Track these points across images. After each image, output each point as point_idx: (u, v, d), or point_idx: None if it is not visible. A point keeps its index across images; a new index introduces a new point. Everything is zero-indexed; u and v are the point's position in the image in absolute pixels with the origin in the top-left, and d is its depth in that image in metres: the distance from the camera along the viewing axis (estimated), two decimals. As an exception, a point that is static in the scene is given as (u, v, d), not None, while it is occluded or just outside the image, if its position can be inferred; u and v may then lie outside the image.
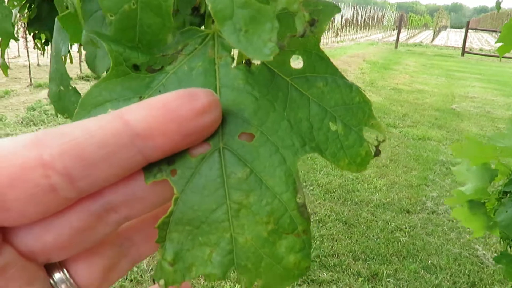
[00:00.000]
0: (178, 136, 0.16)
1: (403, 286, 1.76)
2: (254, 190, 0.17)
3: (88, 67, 0.44)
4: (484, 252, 2.03)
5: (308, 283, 1.71)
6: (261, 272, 0.17)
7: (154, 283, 0.18)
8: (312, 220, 2.17)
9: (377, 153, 0.18)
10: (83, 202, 0.17)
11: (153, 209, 0.18)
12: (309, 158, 2.89)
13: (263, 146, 0.18)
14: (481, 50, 14.51)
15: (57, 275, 0.18)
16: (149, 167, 0.17)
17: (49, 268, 0.18)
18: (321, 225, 2.15)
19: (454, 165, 1.19)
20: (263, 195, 0.17)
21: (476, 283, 1.81)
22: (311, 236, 0.18)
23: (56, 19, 0.49)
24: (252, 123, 0.18)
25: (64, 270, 0.18)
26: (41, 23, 1.02)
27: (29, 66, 4.45)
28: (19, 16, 1.04)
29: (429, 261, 1.94)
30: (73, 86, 0.58)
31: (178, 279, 0.17)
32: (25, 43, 4.52)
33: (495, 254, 1.87)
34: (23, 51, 5.09)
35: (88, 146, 0.15)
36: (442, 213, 2.40)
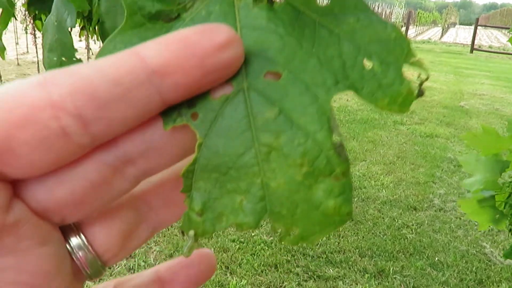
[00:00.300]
0: (198, 72, 0.15)
1: (409, 282, 1.75)
2: (284, 130, 0.16)
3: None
4: (491, 249, 2.02)
5: (314, 279, 1.72)
6: (298, 219, 0.16)
7: (184, 235, 0.16)
8: (318, 216, 2.18)
9: (421, 93, 0.16)
10: (98, 152, 0.16)
11: (172, 163, 0.17)
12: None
13: (292, 85, 0.16)
14: (490, 47, 14.36)
15: (74, 240, 0.17)
16: (168, 112, 0.16)
17: (65, 232, 0.17)
18: (327, 221, 2.14)
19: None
20: (295, 135, 0.16)
21: (484, 280, 1.80)
22: (351, 179, 0.16)
23: None
24: (277, 62, 0.16)
25: (81, 234, 0.17)
26: (43, 3, 1.01)
27: (38, 63, 4.48)
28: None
29: (436, 258, 1.93)
30: (78, 58, 0.57)
31: (208, 230, 0.16)
32: (33, 39, 4.55)
33: (503, 252, 1.86)
34: (32, 47, 5.12)
35: (101, 84, 0.14)
36: (450, 210, 2.38)
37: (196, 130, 0.16)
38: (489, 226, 1.02)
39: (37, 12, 1.07)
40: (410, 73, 0.16)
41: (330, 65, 0.16)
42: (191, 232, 0.16)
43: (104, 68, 0.14)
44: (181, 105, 0.16)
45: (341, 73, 0.16)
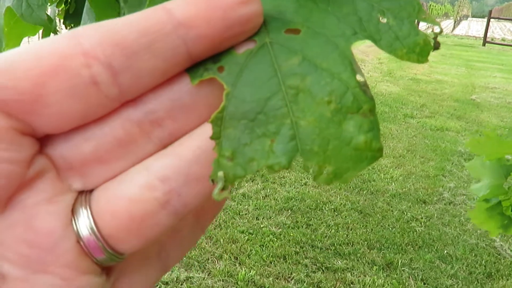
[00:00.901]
0: (221, 25, 0.15)
1: (418, 275, 1.76)
2: (309, 73, 0.16)
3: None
4: (501, 243, 2.01)
5: (323, 271, 1.73)
6: (330, 156, 0.16)
7: (213, 183, 0.16)
8: (327, 209, 2.18)
9: (437, 45, 0.17)
10: (126, 108, 0.16)
11: (198, 123, 0.17)
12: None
13: (312, 37, 0.17)
14: (503, 40, 14.14)
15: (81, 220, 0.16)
16: (194, 68, 0.16)
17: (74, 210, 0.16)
18: (336, 214, 2.15)
19: (473, 156, 1.17)
20: (320, 77, 0.16)
21: (493, 273, 1.80)
22: (378, 119, 0.16)
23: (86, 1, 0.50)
24: (296, 21, 0.17)
25: (89, 212, 0.16)
26: (77, 17, 1.04)
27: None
28: (58, 10, 1.06)
29: (445, 251, 1.93)
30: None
31: (239, 174, 0.16)
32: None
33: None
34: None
35: (129, 34, 0.14)
36: (459, 204, 2.37)
37: (223, 81, 0.16)
38: (499, 233, 1.02)
39: (72, 25, 1.10)
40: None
41: (347, 20, 0.17)
42: (221, 173, 0.16)
43: (132, 21, 0.15)
44: (206, 61, 0.16)
45: (358, 26, 0.17)
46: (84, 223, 0.15)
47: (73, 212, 0.16)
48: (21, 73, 0.14)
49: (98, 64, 0.14)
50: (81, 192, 0.16)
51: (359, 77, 0.16)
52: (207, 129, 0.16)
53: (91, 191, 0.16)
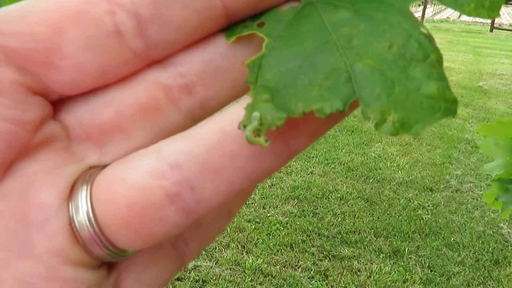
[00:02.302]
0: None
1: (425, 262, 1.76)
2: (364, 22, 0.14)
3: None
4: (509, 230, 2.01)
5: (329, 259, 1.73)
6: (395, 101, 0.13)
7: (244, 128, 0.13)
8: (333, 197, 2.18)
9: None
10: (152, 70, 0.14)
11: (232, 92, 0.14)
12: (330, 137, 2.88)
13: None
14: (511, 25, 13.95)
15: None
16: (230, 28, 0.14)
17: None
18: (342, 202, 2.15)
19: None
20: (378, 24, 0.14)
21: (500, 260, 1.80)
22: (445, 75, 0.14)
23: None
24: None
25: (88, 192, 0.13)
26: None
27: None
28: None
29: (452, 239, 1.93)
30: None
31: (279, 115, 0.13)
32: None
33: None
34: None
35: None
36: (466, 192, 2.37)
37: (264, 35, 0.14)
38: (510, 214, 1.01)
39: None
40: None
41: None
42: (256, 113, 0.13)
43: None
44: (244, 20, 0.14)
45: None
46: (80, 203, 0.13)
47: (73, 188, 0.13)
48: (38, 18, 0.12)
49: (123, 11, 0.12)
50: (93, 168, 0.14)
51: (422, 29, 0.14)
52: (235, 110, 0.13)
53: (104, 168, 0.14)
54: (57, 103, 0.14)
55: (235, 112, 0.13)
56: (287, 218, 1.98)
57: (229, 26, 0.14)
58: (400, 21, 0.14)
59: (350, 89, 0.13)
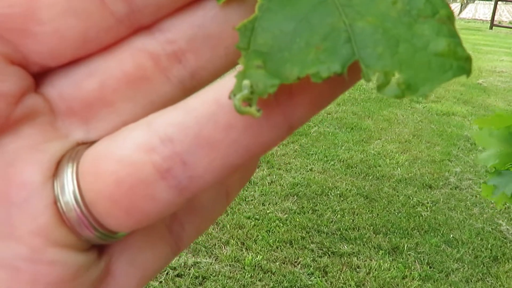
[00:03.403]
0: None
1: (424, 259, 1.76)
2: None
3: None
4: (507, 227, 2.01)
5: (329, 255, 1.74)
6: (400, 61, 0.12)
7: (234, 96, 0.12)
8: (332, 194, 2.19)
9: None
10: (138, 36, 0.13)
11: (225, 60, 0.13)
12: (330, 134, 2.89)
13: None
14: (511, 23, 13.95)
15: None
16: None
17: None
18: (342, 199, 2.16)
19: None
20: None
21: (499, 257, 1.80)
22: (458, 32, 0.12)
23: None
24: None
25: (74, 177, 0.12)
26: None
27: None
28: None
29: (451, 235, 1.93)
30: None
31: (271, 82, 0.12)
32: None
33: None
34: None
35: None
36: (466, 188, 2.37)
37: None
38: (505, 204, 1.01)
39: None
40: None
41: None
42: (246, 82, 0.12)
43: None
44: None
45: None
46: (65, 182, 0.12)
47: (58, 166, 0.13)
48: None
49: None
50: (80, 145, 0.13)
51: None
52: (230, 79, 0.12)
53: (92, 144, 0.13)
54: (39, 76, 0.13)
55: (231, 81, 0.12)
56: (286, 215, 1.98)
57: None
58: None
59: (350, 50, 0.12)
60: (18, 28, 0.11)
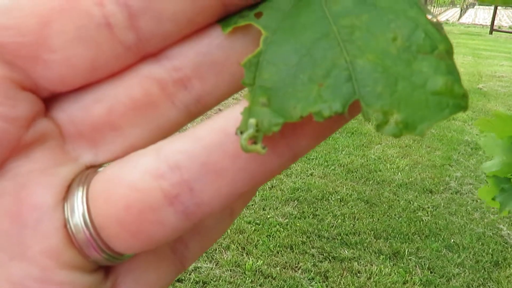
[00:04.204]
0: None
1: (424, 264, 1.76)
2: (367, 12, 0.13)
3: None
4: (508, 231, 2.01)
5: (329, 260, 1.74)
6: (399, 99, 0.12)
7: (241, 134, 0.12)
8: (333, 199, 2.19)
9: None
10: (145, 64, 0.13)
11: (230, 87, 0.14)
12: (330, 138, 2.89)
13: None
14: (510, 27, 13.98)
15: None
16: (226, 18, 0.14)
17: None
18: (342, 204, 2.16)
19: (480, 146, 1.16)
20: (382, 14, 0.13)
21: (500, 262, 1.80)
22: (456, 66, 0.13)
23: None
24: None
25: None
26: None
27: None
28: None
29: (452, 240, 1.93)
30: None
31: (276, 120, 0.12)
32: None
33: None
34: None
35: None
36: (466, 193, 2.37)
37: (261, 27, 0.13)
38: (509, 211, 1.01)
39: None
40: None
41: None
42: (252, 120, 0.12)
43: None
44: (241, 10, 0.14)
45: None
46: (75, 205, 0.13)
47: (69, 189, 0.13)
48: (25, 11, 0.12)
49: (112, 2, 0.12)
50: (90, 168, 0.14)
51: (429, 17, 0.13)
52: (236, 109, 0.13)
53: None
54: (49, 101, 0.13)
55: (237, 111, 0.13)
56: (287, 220, 1.98)
57: (226, 17, 0.14)
58: (406, 8, 0.13)
59: (351, 89, 0.12)
60: (30, 55, 0.12)
